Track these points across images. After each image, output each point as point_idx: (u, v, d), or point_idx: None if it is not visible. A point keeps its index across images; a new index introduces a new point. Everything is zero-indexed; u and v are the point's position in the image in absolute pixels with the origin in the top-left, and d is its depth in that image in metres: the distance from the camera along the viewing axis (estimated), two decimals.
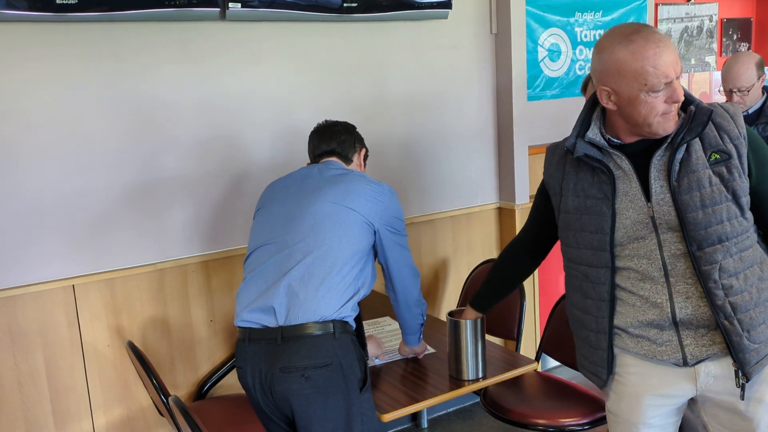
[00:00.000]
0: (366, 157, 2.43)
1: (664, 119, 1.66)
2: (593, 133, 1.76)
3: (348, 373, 1.99)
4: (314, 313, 1.96)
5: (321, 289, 1.98)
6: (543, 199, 2.00)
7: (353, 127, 2.40)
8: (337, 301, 1.99)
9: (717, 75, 5.02)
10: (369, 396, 2.07)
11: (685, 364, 1.75)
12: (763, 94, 3.16)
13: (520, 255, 2.17)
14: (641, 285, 1.75)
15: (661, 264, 1.72)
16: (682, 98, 1.66)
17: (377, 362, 2.47)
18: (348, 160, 2.33)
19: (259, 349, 2.00)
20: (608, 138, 1.76)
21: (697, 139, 1.68)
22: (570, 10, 3.80)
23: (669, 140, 1.69)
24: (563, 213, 1.86)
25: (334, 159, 2.31)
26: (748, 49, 5.43)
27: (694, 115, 1.68)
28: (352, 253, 2.04)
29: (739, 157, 1.68)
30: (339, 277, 2.00)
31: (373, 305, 2.96)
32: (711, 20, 5.04)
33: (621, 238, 1.74)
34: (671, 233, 1.70)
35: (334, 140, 2.32)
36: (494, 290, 2.26)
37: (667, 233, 1.70)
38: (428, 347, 2.56)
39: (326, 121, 2.41)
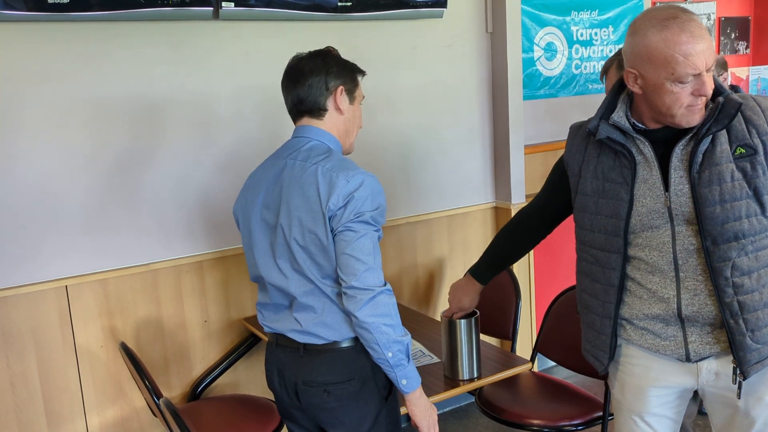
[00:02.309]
0: (352, 93, 1.93)
1: (688, 111, 1.62)
2: (618, 116, 1.72)
3: (371, 386, 1.89)
4: (327, 338, 1.86)
5: (326, 318, 1.85)
6: (559, 176, 1.96)
7: (324, 59, 1.88)
8: (344, 322, 1.85)
9: None
10: (394, 404, 1.98)
11: (688, 360, 1.74)
12: None
13: (527, 227, 2.14)
14: (650, 278, 1.73)
15: (672, 257, 1.69)
16: (710, 93, 1.61)
17: None
18: (320, 111, 1.89)
19: (284, 356, 1.93)
20: (633, 122, 1.72)
21: (724, 132, 1.64)
22: (566, 8, 3.79)
23: (694, 130, 1.65)
24: (580, 195, 1.83)
25: (306, 120, 1.92)
26: (747, 47, 5.42)
27: (722, 107, 1.63)
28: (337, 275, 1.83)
29: (765, 153, 1.63)
30: (337, 300, 1.84)
31: None
32: (709, 19, 5.03)
33: (635, 226, 1.72)
34: (686, 226, 1.67)
35: (300, 86, 1.87)
36: (497, 260, 2.23)
37: (682, 225, 1.68)
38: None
39: (298, 54, 1.92)
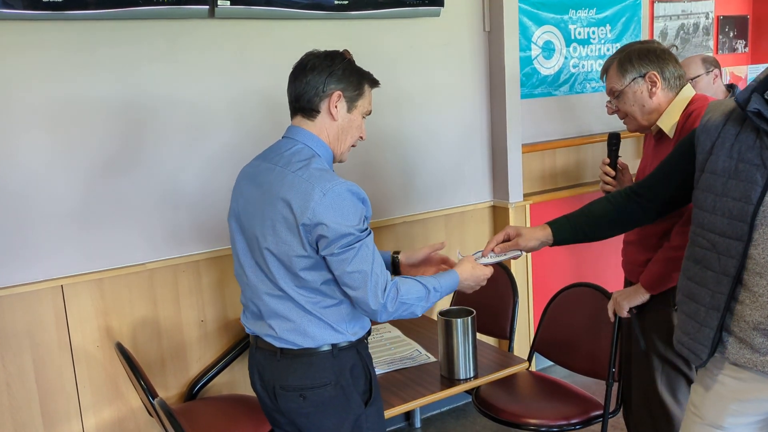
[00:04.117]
0: (353, 101, 1.87)
1: None
2: None
3: (349, 391, 1.86)
4: (302, 345, 1.84)
5: (300, 327, 1.83)
6: (683, 153, 1.83)
7: (332, 60, 1.84)
8: (325, 330, 1.84)
9: None
10: (375, 409, 1.94)
11: None
12: (729, 92, 3.21)
13: (631, 198, 1.98)
14: (756, 280, 1.60)
15: None
16: None
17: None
18: (313, 113, 1.84)
19: (263, 359, 1.92)
20: None
21: None
22: (564, 7, 3.78)
23: None
24: (708, 173, 1.69)
25: (298, 119, 1.89)
26: (745, 46, 5.41)
27: None
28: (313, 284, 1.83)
29: None
30: (314, 310, 1.83)
31: None
32: (707, 17, 5.01)
33: (758, 216, 1.58)
34: None
35: (299, 82, 1.83)
36: (583, 223, 2.03)
37: None
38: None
39: (313, 50, 1.89)
